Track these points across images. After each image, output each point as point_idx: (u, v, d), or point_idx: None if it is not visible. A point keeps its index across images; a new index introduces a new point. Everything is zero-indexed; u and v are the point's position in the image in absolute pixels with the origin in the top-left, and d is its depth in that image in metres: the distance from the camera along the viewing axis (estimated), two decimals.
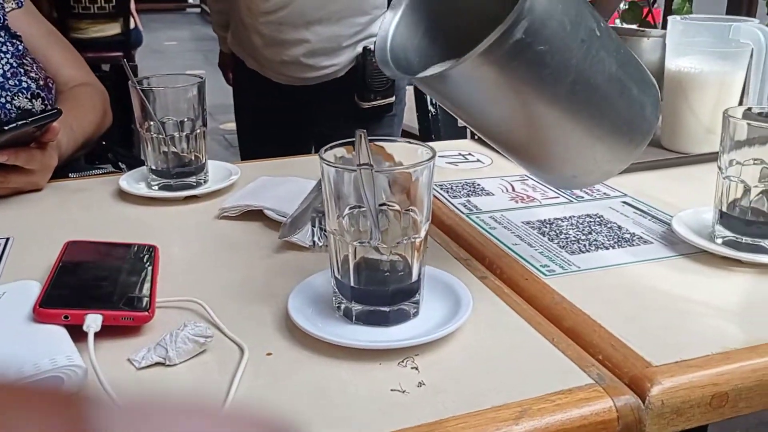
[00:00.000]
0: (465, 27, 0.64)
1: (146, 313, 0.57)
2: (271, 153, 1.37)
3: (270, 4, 1.28)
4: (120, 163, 1.41)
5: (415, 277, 0.57)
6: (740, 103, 1.07)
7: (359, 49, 1.35)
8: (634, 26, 1.11)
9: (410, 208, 0.56)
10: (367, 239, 0.55)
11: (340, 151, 0.58)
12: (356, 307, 0.57)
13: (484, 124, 0.66)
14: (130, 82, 0.87)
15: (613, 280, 0.67)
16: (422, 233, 0.56)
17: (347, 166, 0.53)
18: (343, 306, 0.58)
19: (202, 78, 0.90)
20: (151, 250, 0.69)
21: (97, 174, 1.15)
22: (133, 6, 4.42)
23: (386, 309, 0.57)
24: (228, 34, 1.50)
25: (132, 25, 4.46)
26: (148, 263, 0.66)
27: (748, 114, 0.74)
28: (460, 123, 1.64)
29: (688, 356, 0.53)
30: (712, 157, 1.03)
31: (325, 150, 0.57)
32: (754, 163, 0.71)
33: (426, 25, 0.66)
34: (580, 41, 0.58)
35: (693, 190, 0.93)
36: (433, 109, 1.51)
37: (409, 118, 1.66)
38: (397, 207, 0.56)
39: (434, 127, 1.54)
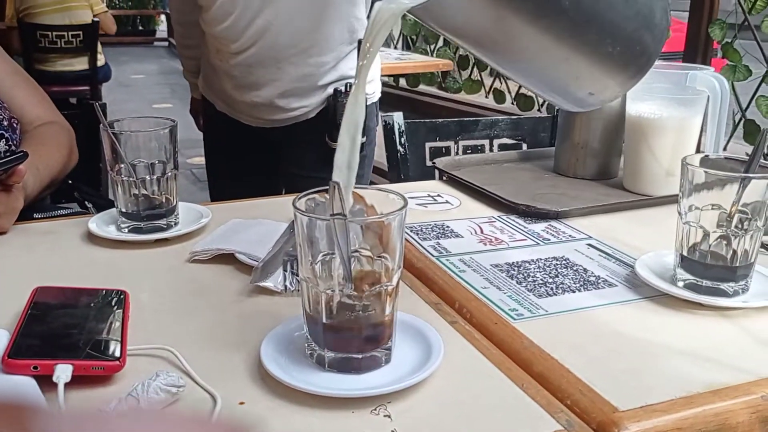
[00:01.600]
0: None
1: (117, 362, 0.56)
2: (241, 194, 1.37)
3: (238, 45, 1.29)
4: (86, 202, 1.40)
5: (387, 323, 0.58)
6: (698, 147, 1.11)
7: (329, 90, 1.36)
8: None
9: (382, 254, 0.57)
10: (339, 287, 0.56)
11: (313, 198, 0.59)
12: (329, 354, 0.57)
13: (495, 51, 0.64)
14: (101, 125, 0.87)
15: (580, 323, 0.69)
16: (394, 280, 0.57)
17: (320, 216, 0.54)
18: (315, 353, 0.58)
19: (174, 121, 0.90)
20: (122, 295, 0.69)
21: (63, 215, 1.14)
22: (99, 44, 4.39)
23: (359, 356, 0.57)
24: (199, 79, 1.51)
25: (101, 62, 4.44)
26: (118, 310, 0.66)
27: (705, 161, 0.78)
28: (428, 161, 1.65)
29: (652, 400, 0.55)
30: (672, 200, 1.06)
31: (299, 198, 0.58)
32: (712, 208, 0.73)
33: None
34: None
35: (655, 232, 0.96)
36: (401, 149, 1.53)
37: (379, 155, 1.68)
38: (369, 253, 0.57)
39: (402, 165, 1.55)
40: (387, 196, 0.59)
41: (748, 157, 0.76)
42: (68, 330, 0.61)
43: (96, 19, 4.39)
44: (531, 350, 0.62)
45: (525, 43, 0.61)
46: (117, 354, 0.57)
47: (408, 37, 3.63)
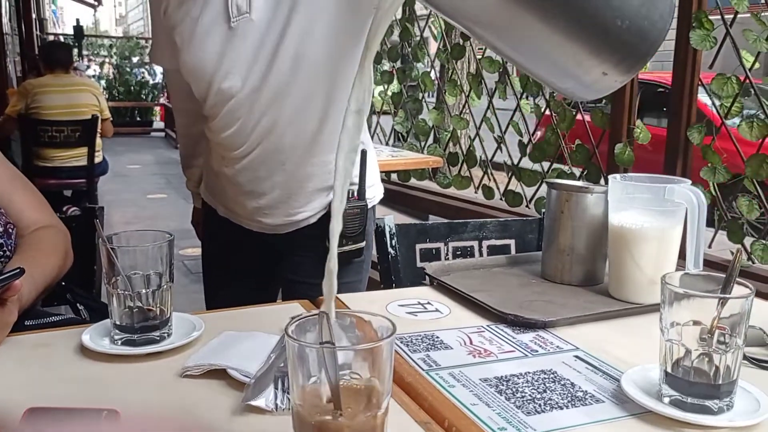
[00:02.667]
0: None
1: None
2: (236, 296, 1.38)
3: (244, 149, 1.31)
4: (78, 305, 1.40)
5: None
6: (679, 255, 1.14)
7: (332, 195, 1.38)
8: (578, 183, 1.20)
9: (372, 378, 0.58)
10: (329, 413, 0.57)
11: (305, 321, 0.61)
12: None
13: (507, 34, 0.66)
14: (100, 239, 0.90)
15: None
16: (383, 406, 0.58)
17: (310, 344, 0.56)
18: None
19: (171, 235, 0.93)
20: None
21: (55, 323, 1.14)
22: (99, 138, 4.49)
23: None
24: (201, 187, 1.54)
25: (99, 158, 4.53)
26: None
27: (685, 277, 0.80)
28: (419, 262, 1.68)
29: None
30: (656, 308, 1.09)
31: (291, 323, 0.60)
32: (693, 324, 0.75)
33: None
34: None
35: (641, 342, 0.97)
36: (392, 251, 1.56)
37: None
38: (358, 375, 0.59)
39: (394, 267, 1.58)
40: (378, 321, 0.61)
41: (725, 274, 0.78)
42: None
43: (95, 113, 4.51)
44: None
45: (537, 23, 0.63)
46: None
47: (399, 134, 3.75)
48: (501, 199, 2.99)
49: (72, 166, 4.43)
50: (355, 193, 1.37)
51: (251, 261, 1.47)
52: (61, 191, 4.74)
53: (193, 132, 1.50)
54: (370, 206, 1.43)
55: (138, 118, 12.34)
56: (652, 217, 1.10)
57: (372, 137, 4.21)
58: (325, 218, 1.38)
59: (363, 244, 1.41)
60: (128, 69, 13.64)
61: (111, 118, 4.76)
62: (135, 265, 0.91)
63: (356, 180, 1.38)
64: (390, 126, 3.85)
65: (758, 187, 2.02)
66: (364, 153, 1.37)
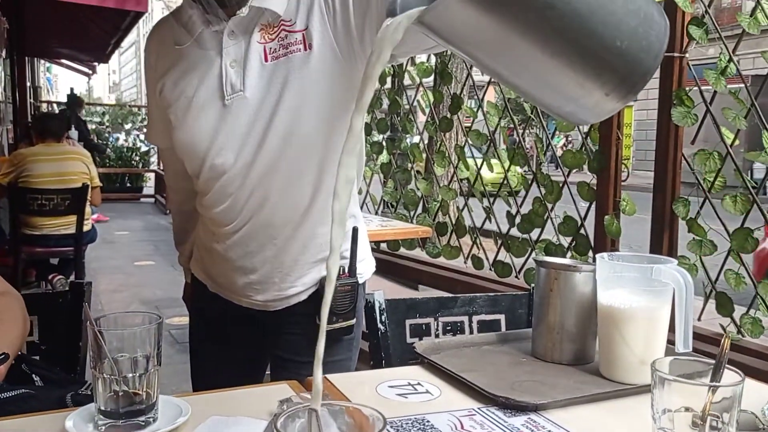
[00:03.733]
0: None
1: None
2: (224, 373, 1.36)
3: (235, 224, 1.32)
4: (33, 375, 1.35)
5: None
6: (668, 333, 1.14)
7: (323, 272, 1.38)
8: (567, 261, 1.21)
9: None
10: None
11: (294, 415, 0.60)
12: None
13: (503, 58, 0.68)
14: (87, 323, 0.89)
15: None
16: None
17: None
18: None
19: (160, 317, 0.93)
20: None
21: (10, 397, 1.11)
22: (88, 206, 4.50)
23: None
24: (191, 261, 1.54)
25: (88, 227, 4.52)
26: None
27: (675, 363, 0.80)
28: (409, 339, 1.67)
29: None
30: (648, 389, 1.08)
31: (280, 417, 0.59)
32: (685, 411, 0.75)
33: None
34: None
35: (634, 425, 0.97)
36: (382, 327, 1.55)
37: None
38: None
39: (383, 344, 1.57)
40: (369, 416, 0.60)
41: (715, 361, 0.79)
42: None
43: (85, 181, 4.53)
44: None
45: (539, 47, 0.65)
46: None
47: (389, 203, 3.78)
48: (490, 269, 3.00)
49: (60, 234, 4.42)
50: (346, 270, 1.37)
51: (240, 337, 1.46)
52: (48, 259, 4.71)
53: (186, 209, 1.51)
54: (361, 282, 1.42)
55: (128, 184, 12.38)
56: (640, 297, 1.11)
57: (361, 207, 4.25)
58: (316, 295, 1.37)
59: (353, 321, 1.40)
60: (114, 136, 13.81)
61: (101, 185, 4.78)
62: (122, 348, 0.90)
63: (347, 255, 1.38)
64: (379, 196, 3.89)
65: (743, 261, 2.04)
66: (355, 230, 1.38)
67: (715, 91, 2.10)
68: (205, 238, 1.41)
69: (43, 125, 4.67)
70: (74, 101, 10.00)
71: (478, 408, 1.01)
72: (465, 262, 3.18)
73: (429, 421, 0.95)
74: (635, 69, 0.69)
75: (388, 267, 3.40)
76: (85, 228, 4.44)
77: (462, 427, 0.94)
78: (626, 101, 0.73)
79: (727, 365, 0.78)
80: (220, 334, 1.48)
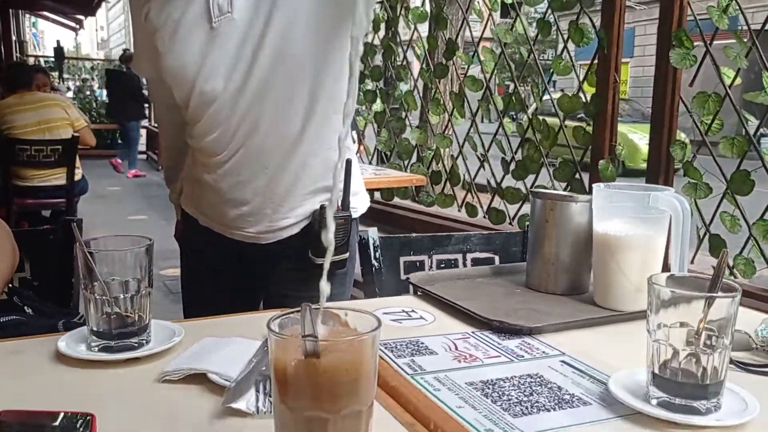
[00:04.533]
0: None
1: None
2: (216, 308, 1.35)
3: (226, 153, 1.30)
4: (26, 307, 1.34)
5: None
6: (665, 263, 1.14)
7: (316, 205, 1.37)
8: (563, 192, 1.20)
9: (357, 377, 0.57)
10: (314, 407, 0.55)
11: (288, 318, 0.59)
12: None
13: None
14: (77, 243, 0.88)
15: None
16: (368, 402, 0.57)
17: (292, 336, 0.54)
18: None
19: (150, 240, 0.91)
20: (89, 419, 0.67)
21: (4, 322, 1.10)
22: (77, 158, 4.45)
23: None
24: (182, 197, 1.51)
25: (78, 176, 4.48)
26: None
27: (671, 279, 0.80)
28: (403, 275, 1.66)
29: None
30: (642, 315, 1.08)
31: (273, 319, 0.58)
32: (680, 326, 0.75)
33: None
34: None
35: (627, 348, 0.97)
36: (376, 263, 1.55)
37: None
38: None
39: (377, 279, 1.57)
40: (361, 316, 0.59)
41: (711, 276, 0.78)
42: None
43: (76, 134, 4.48)
44: None
45: None
46: None
47: (383, 153, 3.75)
48: (484, 216, 2.99)
49: (51, 185, 4.38)
50: (339, 204, 1.36)
51: (231, 272, 1.45)
52: (39, 211, 4.68)
53: (176, 144, 1.48)
54: (354, 216, 1.41)
55: (119, 141, 12.25)
56: (636, 225, 1.10)
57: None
58: (309, 229, 1.36)
59: (346, 255, 1.39)
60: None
61: (87, 124, 4.71)
62: (113, 272, 0.89)
63: (340, 189, 1.36)
64: (373, 146, 3.86)
65: (739, 203, 2.04)
66: (348, 162, 1.36)
67: (717, 29, 2.06)
68: (195, 171, 1.38)
69: (8, 76, 4.60)
70: (61, 54, 9.84)
71: (472, 332, 1.01)
72: (459, 210, 3.17)
73: (423, 342, 0.95)
74: None
75: (381, 216, 3.39)
76: (76, 177, 4.40)
77: (456, 348, 0.94)
78: None
79: (724, 281, 0.77)
80: (211, 269, 1.47)
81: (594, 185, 1.15)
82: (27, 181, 4.35)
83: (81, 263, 0.89)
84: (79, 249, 0.88)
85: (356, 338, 0.55)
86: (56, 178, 4.38)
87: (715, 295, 0.73)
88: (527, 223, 1.54)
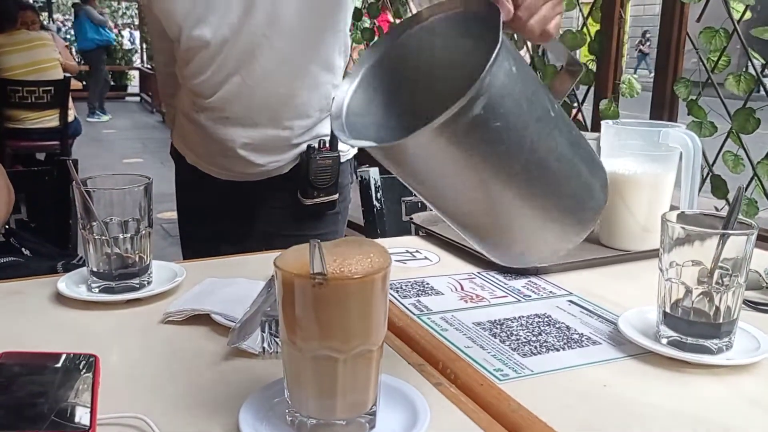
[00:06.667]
0: (422, 100, 0.65)
1: None
2: (208, 248, 1.34)
3: (214, 100, 1.27)
4: (23, 249, 1.33)
5: (371, 387, 0.56)
6: (671, 202, 1.12)
7: (303, 147, 1.35)
8: None
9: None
10: (323, 347, 0.54)
11: (294, 256, 0.57)
12: (311, 421, 0.55)
13: (437, 197, 0.66)
14: (74, 182, 0.85)
15: (566, 383, 0.67)
16: (378, 341, 0.55)
17: (303, 273, 0.52)
18: (297, 420, 0.56)
19: (149, 178, 0.89)
20: (91, 359, 0.66)
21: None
22: (70, 100, 4.38)
23: (342, 422, 0.55)
24: (173, 132, 1.49)
25: (71, 117, 4.42)
26: (87, 375, 0.63)
27: (683, 217, 0.78)
28: (404, 217, 1.65)
29: None
30: (649, 255, 1.07)
31: (280, 257, 0.56)
32: (692, 265, 0.73)
33: (383, 95, 0.66)
34: (535, 120, 0.59)
35: (635, 287, 0.96)
36: (378, 204, 1.53)
37: (355, 211, 1.67)
38: None
39: (379, 221, 1.55)
40: (369, 255, 0.57)
41: (725, 214, 0.76)
42: (33, 398, 0.58)
43: (67, 74, 4.39)
44: (519, 413, 0.60)
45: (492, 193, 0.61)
46: (86, 423, 0.54)
47: None
48: None
49: (44, 127, 4.32)
50: (327, 144, 1.34)
51: (224, 212, 1.43)
52: (33, 154, 4.62)
53: (170, 70, 1.43)
54: (343, 159, 1.39)
55: (113, 83, 12.05)
56: (645, 163, 1.07)
57: None
58: (297, 170, 1.35)
59: (336, 196, 1.38)
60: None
61: (75, 59, 4.62)
62: (111, 212, 0.87)
63: (327, 130, 1.35)
64: None
65: (743, 142, 2.01)
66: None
67: None
68: (186, 106, 1.36)
69: None
70: None
71: (478, 272, 0.99)
72: None
73: (429, 283, 0.94)
74: (555, 248, 0.68)
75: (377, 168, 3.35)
76: (69, 119, 4.33)
77: (462, 288, 0.92)
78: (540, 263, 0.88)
79: (739, 218, 0.75)
80: (205, 212, 1.46)
81: (603, 122, 1.12)
82: (19, 123, 4.28)
83: (78, 203, 0.86)
84: (75, 188, 0.85)
85: (367, 275, 0.53)
86: (49, 119, 4.31)
87: (730, 231, 0.71)
88: None
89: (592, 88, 2.41)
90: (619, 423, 0.60)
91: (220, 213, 1.44)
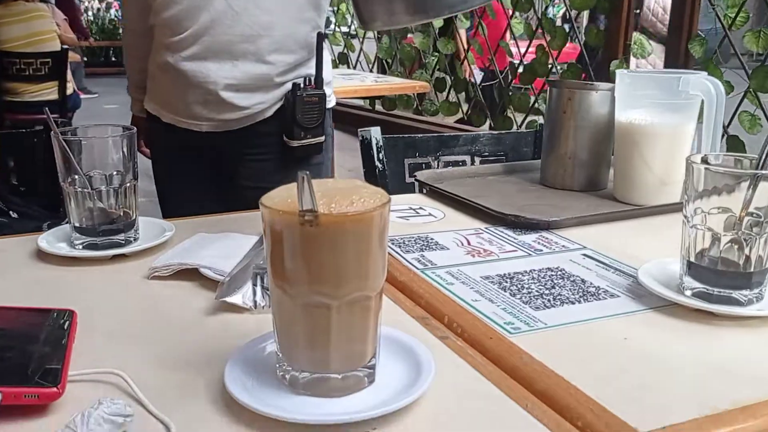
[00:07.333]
0: None
1: (54, 389, 0.48)
2: (195, 212, 1.29)
3: (192, 32, 1.22)
4: (11, 212, 1.29)
5: (369, 337, 0.50)
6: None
7: (287, 87, 1.30)
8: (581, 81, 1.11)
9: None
10: (316, 292, 0.48)
11: (282, 194, 0.52)
12: (303, 375, 0.50)
13: None
14: (52, 132, 0.80)
15: (583, 337, 0.62)
16: (377, 288, 0.50)
17: (289, 210, 0.47)
18: (288, 375, 0.50)
19: (132, 128, 0.83)
20: (69, 315, 0.61)
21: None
22: (69, 72, 4.31)
23: (338, 376, 0.50)
24: (146, 97, 1.42)
25: (70, 90, 4.35)
26: (62, 331, 0.58)
27: (708, 160, 0.72)
28: (408, 178, 1.59)
29: (675, 420, 0.48)
30: (667, 209, 1.01)
31: (267, 194, 0.51)
32: (719, 212, 0.67)
33: None
34: None
35: (652, 242, 0.90)
36: (380, 165, 1.47)
37: (357, 171, 1.61)
38: None
39: (381, 182, 1.49)
40: (363, 195, 0.52)
41: (756, 156, 0.70)
42: (3, 353, 0.53)
43: (65, 46, 4.31)
44: (532, 366, 0.55)
45: None
46: (55, 380, 0.49)
47: (384, 61, 3.60)
48: (491, 125, 2.89)
49: (43, 100, 4.25)
50: (312, 81, 1.29)
51: (206, 173, 1.38)
52: (33, 127, 4.56)
53: (141, 27, 1.37)
54: (329, 105, 1.35)
55: (113, 58, 11.94)
56: (662, 113, 1.01)
57: (354, 66, 4.07)
58: (282, 111, 1.30)
59: (322, 138, 1.34)
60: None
61: (71, 34, 4.55)
62: (94, 163, 0.81)
63: (310, 70, 1.30)
64: (374, 54, 3.71)
65: (761, 102, 1.94)
66: (320, 36, 1.28)
67: None
68: (158, 57, 1.30)
69: None
70: None
71: (485, 228, 0.94)
72: (464, 119, 3.07)
73: (433, 238, 0.88)
74: None
75: (382, 126, 3.29)
76: (67, 92, 4.26)
77: (469, 243, 0.87)
78: None
79: None
80: (184, 173, 1.40)
81: (618, 71, 1.06)
82: (18, 96, 4.21)
83: (57, 155, 0.81)
84: (54, 138, 0.80)
85: (363, 212, 0.47)
86: (48, 92, 4.25)
87: (763, 172, 0.65)
88: (538, 124, 1.46)
89: None
90: (642, 374, 0.55)
91: (201, 174, 1.39)
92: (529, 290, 0.71)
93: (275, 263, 0.49)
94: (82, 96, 8.59)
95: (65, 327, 0.59)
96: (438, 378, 0.51)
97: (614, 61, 2.25)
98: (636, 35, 2.23)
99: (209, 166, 1.37)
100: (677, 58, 2.07)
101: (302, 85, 1.28)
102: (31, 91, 4.23)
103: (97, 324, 0.63)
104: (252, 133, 1.31)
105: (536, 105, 2.60)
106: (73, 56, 4.46)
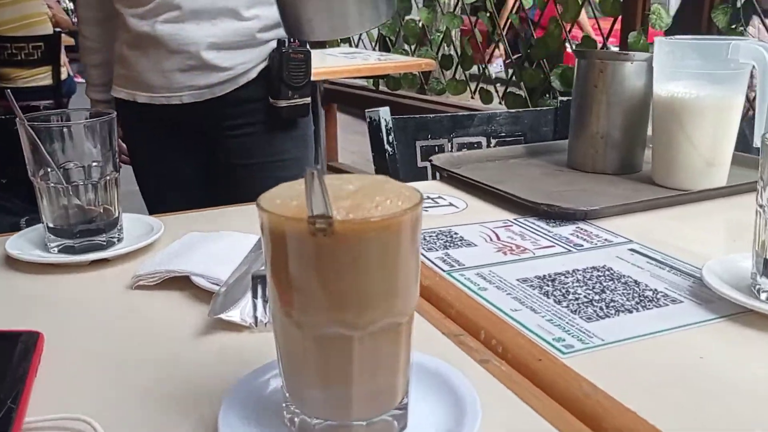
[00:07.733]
0: None
1: None
2: (182, 202, 1.20)
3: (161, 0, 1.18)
4: None
5: (400, 373, 0.40)
6: (740, 131, 0.95)
7: (272, 44, 1.25)
8: (616, 49, 1.00)
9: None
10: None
11: (285, 194, 0.41)
12: (317, 423, 0.39)
13: None
14: (18, 119, 0.69)
15: (650, 356, 0.52)
16: (408, 311, 0.40)
17: (296, 217, 0.36)
18: (297, 419, 0.40)
19: (112, 113, 0.72)
20: (33, 340, 0.51)
21: None
22: (64, 55, 4.19)
23: (362, 423, 0.39)
24: (112, 85, 1.33)
25: (65, 75, 4.23)
26: (22, 361, 0.48)
27: None
28: (420, 162, 1.48)
29: None
30: (715, 194, 0.90)
31: (267, 194, 0.40)
32: None
33: None
34: None
35: (707, 232, 0.80)
36: (390, 148, 1.36)
37: (366, 155, 1.51)
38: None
39: (392, 167, 1.39)
40: (388, 194, 0.41)
41: None
42: None
43: (58, 29, 4.19)
44: (596, 399, 0.45)
45: None
46: (5, 428, 0.39)
47: (387, 38, 3.47)
48: (500, 102, 2.77)
49: (37, 86, 4.13)
50: (296, 39, 1.22)
51: (189, 151, 1.30)
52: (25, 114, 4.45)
53: (99, 15, 1.32)
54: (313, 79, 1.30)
55: None
56: (708, 85, 0.90)
57: (356, 44, 3.94)
58: (267, 72, 1.25)
59: (308, 99, 1.29)
60: None
61: (65, 16, 4.43)
62: (67, 154, 0.71)
63: None
64: (376, 31, 3.58)
65: None
66: None
67: None
68: (129, 33, 1.22)
69: None
70: None
71: (514, 219, 0.83)
72: (472, 97, 2.95)
73: (457, 233, 0.78)
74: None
75: (387, 106, 3.17)
76: (62, 76, 4.15)
77: (498, 238, 0.76)
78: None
79: None
80: (165, 157, 1.33)
81: (657, 39, 0.95)
82: (11, 82, 4.09)
83: (25, 144, 0.70)
84: (20, 125, 0.69)
85: (390, 216, 0.37)
86: (42, 77, 4.13)
87: None
88: (559, 100, 1.35)
89: None
90: (734, 408, 0.45)
91: (184, 154, 1.32)
92: (576, 296, 0.61)
93: (279, 284, 0.38)
94: (79, 80, 8.49)
95: (26, 357, 0.48)
96: (484, 418, 0.41)
97: (632, 32, 2.13)
98: (655, 5, 2.11)
99: (193, 145, 1.31)
100: (699, 27, 1.95)
101: (288, 42, 1.24)
102: (24, 76, 4.11)
103: (68, 350, 0.53)
104: (235, 101, 1.25)
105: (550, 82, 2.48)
106: (67, 40, 4.33)
